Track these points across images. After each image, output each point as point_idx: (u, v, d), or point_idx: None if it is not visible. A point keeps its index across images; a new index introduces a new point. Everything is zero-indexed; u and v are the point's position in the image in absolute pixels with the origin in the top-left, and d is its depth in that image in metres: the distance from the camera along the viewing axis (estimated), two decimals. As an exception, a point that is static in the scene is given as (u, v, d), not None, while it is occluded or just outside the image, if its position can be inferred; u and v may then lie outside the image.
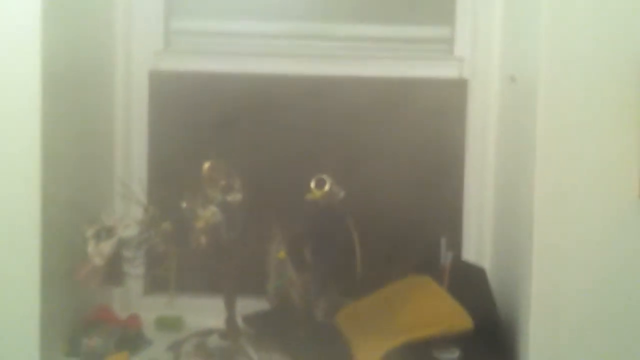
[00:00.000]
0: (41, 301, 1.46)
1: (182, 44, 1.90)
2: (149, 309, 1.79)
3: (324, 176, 1.58)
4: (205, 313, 1.73)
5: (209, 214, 1.51)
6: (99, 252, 1.52)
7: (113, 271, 1.55)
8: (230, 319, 1.62)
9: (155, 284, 1.81)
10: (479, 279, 1.62)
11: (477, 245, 1.84)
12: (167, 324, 1.76)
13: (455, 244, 1.80)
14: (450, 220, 1.85)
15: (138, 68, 1.87)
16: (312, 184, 1.57)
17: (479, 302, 1.56)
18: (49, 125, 1.46)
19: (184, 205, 1.54)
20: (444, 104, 1.86)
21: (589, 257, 1.41)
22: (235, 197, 1.55)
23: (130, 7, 1.85)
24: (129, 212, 1.70)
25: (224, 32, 1.90)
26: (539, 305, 1.42)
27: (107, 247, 1.53)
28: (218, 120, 1.87)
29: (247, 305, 1.69)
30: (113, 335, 1.60)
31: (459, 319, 1.51)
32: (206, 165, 1.55)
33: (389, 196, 1.86)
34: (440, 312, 1.54)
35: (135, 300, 1.86)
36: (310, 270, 1.62)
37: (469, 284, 1.62)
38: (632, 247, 1.41)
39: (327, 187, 1.56)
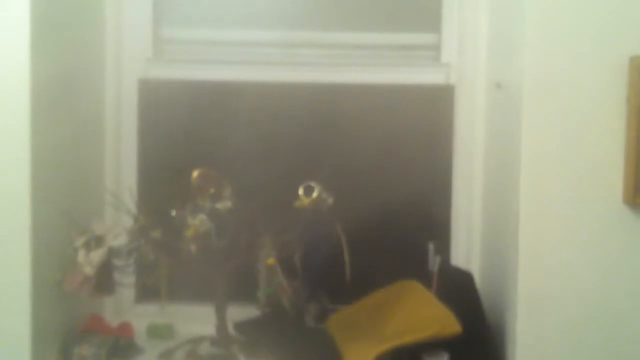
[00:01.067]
0: (32, 310, 1.46)
1: (172, 52, 1.91)
2: (140, 317, 1.79)
3: (313, 183, 1.59)
4: (196, 320, 1.74)
5: (199, 222, 1.51)
6: (89, 261, 1.52)
7: (104, 280, 1.56)
8: (221, 326, 1.63)
9: (146, 293, 1.82)
10: (467, 283, 1.63)
11: (465, 250, 1.85)
12: (158, 332, 1.77)
13: (443, 249, 1.81)
14: (438, 225, 1.87)
15: (127, 76, 1.88)
16: (301, 191, 1.58)
17: (467, 307, 1.57)
18: (38, 133, 1.46)
19: (174, 213, 1.54)
20: (432, 110, 1.88)
21: (575, 262, 1.43)
22: (225, 204, 1.56)
23: (119, 15, 1.85)
24: (118, 221, 1.70)
25: (213, 40, 1.91)
26: (526, 309, 1.44)
27: (97, 256, 1.53)
28: (207, 128, 1.88)
29: (238, 312, 1.70)
30: (105, 344, 1.61)
31: (448, 324, 1.52)
32: (195, 173, 1.56)
33: (378, 202, 1.87)
34: (428, 317, 1.55)
35: (126, 309, 1.87)
36: (300, 277, 1.63)
37: (457, 289, 1.64)
38: (617, 251, 1.43)
39: (315, 194, 1.57)
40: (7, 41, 1.43)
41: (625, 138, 1.41)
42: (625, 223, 1.42)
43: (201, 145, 1.87)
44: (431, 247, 1.76)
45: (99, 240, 1.55)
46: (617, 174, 1.42)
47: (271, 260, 1.59)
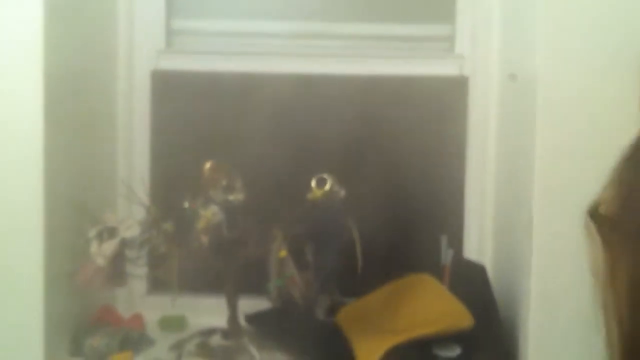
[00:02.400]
0: (45, 302, 1.47)
1: (184, 43, 1.91)
2: (152, 309, 1.79)
3: (325, 175, 1.58)
4: (208, 312, 1.74)
5: (210, 213, 1.51)
6: (101, 252, 1.53)
7: (116, 271, 1.56)
8: (233, 318, 1.63)
9: (158, 284, 1.82)
10: (479, 277, 1.62)
11: (478, 243, 1.84)
12: (170, 323, 1.77)
13: (456, 242, 1.80)
14: (451, 218, 1.86)
15: (140, 68, 1.88)
16: (313, 183, 1.58)
17: (480, 300, 1.56)
18: (51, 126, 1.47)
19: (186, 205, 1.54)
20: (445, 102, 1.86)
21: (589, 255, 1.42)
22: (237, 196, 1.56)
23: (132, 7, 1.85)
24: (131, 213, 1.70)
25: (226, 31, 1.91)
26: (539, 302, 1.43)
27: (109, 247, 1.53)
28: (219, 120, 1.88)
29: (249, 305, 1.70)
30: (116, 335, 1.61)
31: (460, 317, 1.51)
32: (207, 165, 1.56)
33: (390, 194, 1.86)
34: (441, 310, 1.55)
35: (138, 300, 1.87)
36: (312, 269, 1.63)
37: (470, 282, 1.63)
38: (632, 244, 1.41)
39: (328, 186, 1.57)
40: (20, 34, 1.43)
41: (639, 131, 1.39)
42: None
43: (213, 137, 1.87)
44: (443, 240, 1.76)
45: (111, 232, 1.55)
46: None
47: (283, 253, 1.59)
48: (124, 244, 1.56)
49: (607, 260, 0.65)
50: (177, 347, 1.64)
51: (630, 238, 0.63)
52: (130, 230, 1.57)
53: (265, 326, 1.67)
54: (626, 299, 0.65)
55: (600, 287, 0.68)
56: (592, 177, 1.40)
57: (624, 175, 0.67)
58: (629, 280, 0.63)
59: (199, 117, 1.89)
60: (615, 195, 0.67)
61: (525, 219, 1.46)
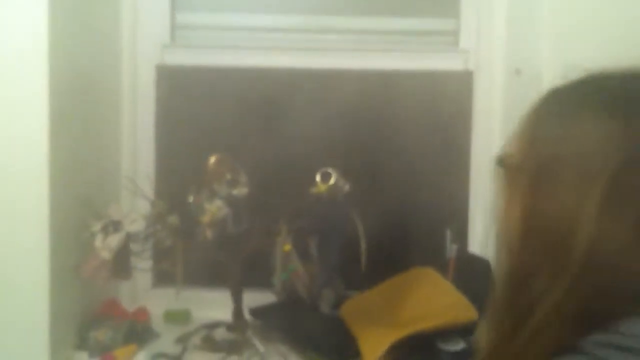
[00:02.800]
0: (50, 295, 1.48)
1: (189, 38, 1.91)
2: (157, 303, 1.80)
3: (330, 169, 1.58)
4: (212, 306, 1.74)
5: (215, 208, 1.52)
6: (106, 246, 1.53)
7: (121, 265, 1.57)
8: (237, 312, 1.63)
9: (163, 278, 1.83)
10: (484, 271, 1.62)
11: (482, 238, 1.84)
12: (174, 317, 1.78)
13: (461, 236, 1.80)
14: (455, 212, 1.86)
15: (145, 62, 1.88)
16: (318, 178, 1.58)
17: (484, 294, 1.56)
18: (56, 121, 1.47)
19: (191, 199, 1.55)
20: (450, 96, 1.86)
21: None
22: (241, 191, 1.56)
23: (136, 1, 1.85)
24: (136, 207, 1.71)
25: (230, 26, 1.90)
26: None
27: (114, 241, 1.54)
28: (224, 114, 1.88)
29: (254, 298, 1.70)
30: (121, 329, 1.61)
31: (464, 311, 1.51)
32: (212, 159, 1.56)
33: (395, 188, 1.86)
34: (444, 304, 1.55)
35: (143, 294, 1.88)
36: (316, 263, 1.63)
37: (474, 276, 1.63)
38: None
39: (332, 181, 1.57)
40: (25, 30, 1.43)
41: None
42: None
43: (218, 131, 1.87)
44: (448, 234, 1.76)
45: (116, 226, 1.56)
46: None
47: (287, 247, 1.59)
48: (129, 237, 1.57)
49: (506, 198, 0.76)
50: (182, 340, 1.64)
51: (528, 176, 0.73)
52: (135, 224, 1.58)
53: (269, 320, 1.67)
54: (517, 230, 0.74)
55: (498, 224, 0.77)
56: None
57: (525, 129, 0.77)
58: (522, 210, 0.73)
59: (203, 111, 1.89)
60: (519, 146, 0.76)
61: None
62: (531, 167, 0.74)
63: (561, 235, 0.69)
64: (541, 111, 0.78)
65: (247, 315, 1.66)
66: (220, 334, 1.65)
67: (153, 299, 1.83)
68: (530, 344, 0.69)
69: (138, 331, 1.65)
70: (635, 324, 0.63)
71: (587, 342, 0.65)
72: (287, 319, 1.65)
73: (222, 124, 1.88)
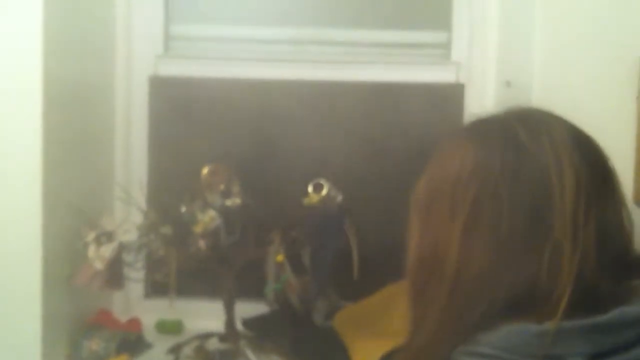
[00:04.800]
0: (42, 305, 1.48)
1: (182, 49, 1.92)
2: (149, 313, 1.80)
3: (322, 180, 1.59)
4: (205, 316, 1.74)
5: (208, 218, 1.52)
6: (99, 256, 1.53)
7: (113, 275, 1.57)
8: (230, 322, 1.64)
9: (155, 288, 1.83)
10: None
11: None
12: (167, 327, 1.78)
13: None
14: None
15: (138, 73, 1.88)
16: (310, 188, 1.59)
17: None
18: (50, 130, 1.47)
19: (184, 209, 1.55)
20: (441, 109, 1.88)
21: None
22: (234, 201, 1.57)
23: (130, 12, 1.86)
24: (129, 217, 1.71)
25: (224, 37, 1.91)
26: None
27: (107, 251, 1.54)
28: (217, 125, 1.89)
29: (246, 309, 1.70)
30: (114, 339, 1.61)
31: (456, 322, 1.51)
32: (205, 170, 1.57)
33: (387, 199, 1.87)
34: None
35: (135, 304, 1.88)
36: (309, 274, 1.64)
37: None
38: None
39: (324, 191, 1.58)
40: (19, 40, 1.44)
41: (635, 137, 1.41)
42: (637, 223, 1.42)
43: (211, 142, 1.88)
44: (440, 245, 1.76)
45: (109, 236, 1.56)
46: (628, 174, 1.41)
47: (280, 257, 1.60)
48: (122, 247, 1.57)
49: (410, 228, 0.89)
50: (175, 350, 1.64)
51: (420, 210, 0.87)
52: (128, 234, 1.58)
53: (262, 330, 1.67)
54: (412, 256, 0.89)
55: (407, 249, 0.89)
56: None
57: (425, 168, 0.88)
58: (416, 239, 0.87)
59: (196, 122, 1.90)
60: (420, 183, 0.88)
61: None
62: (422, 202, 0.86)
63: (438, 260, 0.78)
64: (436, 152, 0.87)
65: (239, 326, 1.67)
66: (213, 344, 1.65)
67: (145, 309, 1.83)
68: (422, 354, 0.80)
69: (130, 341, 1.65)
70: (487, 335, 0.71)
71: (455, 352, 0.74)
72: (280, 329, 1.65)
73: (215, 134, 1.89)
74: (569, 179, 0.74)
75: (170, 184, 1.85)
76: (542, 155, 0.75)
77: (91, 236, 1.55)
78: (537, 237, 0.73)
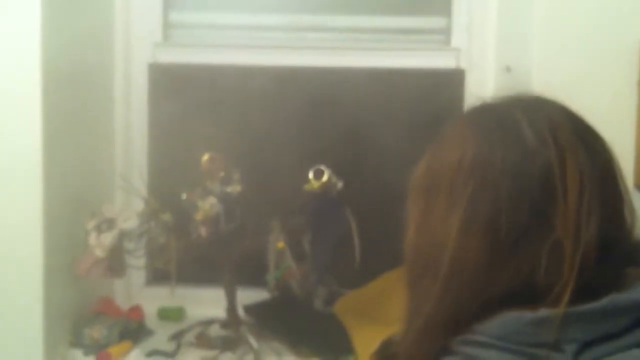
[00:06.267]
0: (44, 293, 1.48)
1: (181, 36, 1.91)
2: (151, 300, 1.80)
3: (322, 167, 1.59)
4: (206, 303, 1.75)
5: (208, 205, 1.52)
6: (100, 244, 1.54)
7: (114, 263, 1.57)
8: (231, 309, 1.64)
9: (156, 276, 1.83)
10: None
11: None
12: (168, 314, 1.78)
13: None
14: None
15: (137, 61, 1.88)
16: (311, 175, 1.59)
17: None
18: (49, 119, 1.47)
19: (184, 197, 1.55)
20: (441, 95, 1.87)
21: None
22: (235, 188, 1.57)
23: (129, 0, 1.86)
24: (129, 204, 1.71)
25: (223, 24, 1.91)
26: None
27: (108, 239, 1.54)
28: (216, 112, 1.89)
29: (248, 296, 1.71)
30: (116, 326, 1.62)
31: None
32: (205, 157, 1.57)
33: (387, 185, 1.87)
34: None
35: (137, 292, 1.88)
36: (309, 260, 1.64)
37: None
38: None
39: (325, 178, 1.58)
40: (18, 28, 1.43)
41: (636, 122, 1.40)
42: (638, 208, 1.42)
43: (211, 129, 1.88)
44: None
45: (110, 223, 1.56)
46: (629, 159, 1.41)
47: (281, 244, 1.60)
48: (123, 235, 1.57)
49: (408, 214, 0.87)
50: (176, 337, 1.65)
51: (419, 197, 0.84)
52: (129, 221, 1.58)
53: (263, 317, 1.68)
54: (410, 244, 0.86)
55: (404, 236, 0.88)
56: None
57: (425, 154, 0.85)
58: (414, 226, 0.85)
59: (196, 109, 1.90)
60: (419, 169, 0.86)
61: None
62: (421, 189, 0.84)
63: (434, 256, 0.78)
64: (437, 138, 0.85)
65: (241, 313, 1.67)
66: (214, 331, 1.66)
67: (147, 297, 1.84)
68: (415, 344, 0.80)
69: (132, 329, 1.66)
70: (483, 324, 0.71)
71: (453, 341, 0.74)
72: (281, 316, 1.66)
73: (215, 121, 1.88)
74: (572, 179, 0.73)
75: (170, 172, 1.85)
76: (545, 153, 0.74)
77: (92, 224, 1.55)
78: (536, 236, 0.72)
